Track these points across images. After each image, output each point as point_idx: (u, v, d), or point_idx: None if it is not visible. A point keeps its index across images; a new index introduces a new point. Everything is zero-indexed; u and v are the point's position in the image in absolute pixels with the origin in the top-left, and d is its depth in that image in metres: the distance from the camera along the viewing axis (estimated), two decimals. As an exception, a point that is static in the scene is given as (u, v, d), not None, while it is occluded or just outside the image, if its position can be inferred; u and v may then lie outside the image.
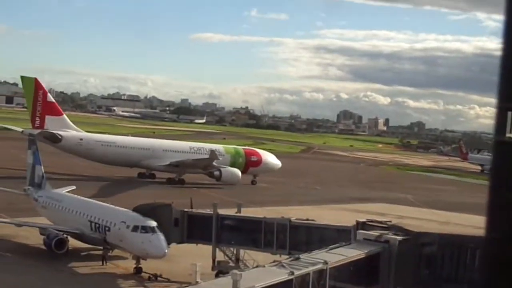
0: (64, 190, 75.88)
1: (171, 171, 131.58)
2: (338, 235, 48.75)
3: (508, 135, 16.49)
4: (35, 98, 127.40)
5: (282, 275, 33.51)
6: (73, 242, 61.77)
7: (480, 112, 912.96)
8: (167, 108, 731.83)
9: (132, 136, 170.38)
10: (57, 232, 60.66)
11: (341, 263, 38.12)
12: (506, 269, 15.92)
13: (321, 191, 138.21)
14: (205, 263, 51.21)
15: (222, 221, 56.95)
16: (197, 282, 34.32)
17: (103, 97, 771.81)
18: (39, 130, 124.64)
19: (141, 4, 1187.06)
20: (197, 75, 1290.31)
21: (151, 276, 55.42)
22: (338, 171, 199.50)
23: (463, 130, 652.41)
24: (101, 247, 60.07)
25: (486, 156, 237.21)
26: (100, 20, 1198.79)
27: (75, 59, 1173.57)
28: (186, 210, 59.13)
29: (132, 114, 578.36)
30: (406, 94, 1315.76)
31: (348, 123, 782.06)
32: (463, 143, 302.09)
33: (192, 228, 58.44)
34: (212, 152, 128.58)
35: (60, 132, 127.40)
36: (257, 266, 36.95)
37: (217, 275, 50.51)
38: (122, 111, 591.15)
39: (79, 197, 70.25)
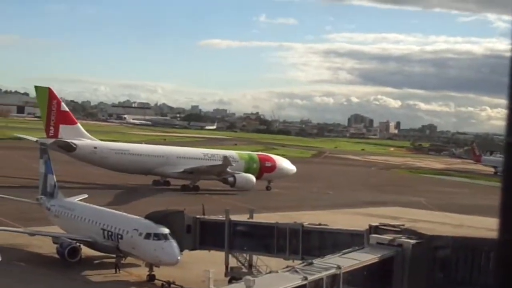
0: (76, 199, 76.01)
1: (186, 178, 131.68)
2: (351, 240, 48.57)
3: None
4: (49, 107, 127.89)
5: (296, 281, 33.44)
6: (86, 251, 61.83)
7: (491, 114, 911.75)
8: (178, 115, 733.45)
9: (145, 143, 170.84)
10: (70, 240, 60.73)
11: (355, 267, 38.01)
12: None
13: (333, 196, 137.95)
14: (218, 269, 51.19)
15: (234, 227, 56.85)
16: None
17: (113, 105, 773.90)
18: (53, 139, 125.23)
19: (149, 11, 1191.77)
20: (207, 82, 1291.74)
21: (164, 283, 55.37)
22: (350, 175, 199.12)
23: (475, 132, 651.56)
24: (114, 255, 60.08)
25: (499, 158, 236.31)
26: (109, 28, 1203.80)
27: (84, 67, 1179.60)
28: (198, 216, 59.06)
29: (143, 122, 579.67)
30: (417, 96, 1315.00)
31: (359, 127, 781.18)
32: (476, 145, 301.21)
33: (205, 235, 58.37)
34: (225, 158, 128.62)
35: (74, 141, 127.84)
36: (270, 272, 36.90)
37: (230, 282, 50.47)
38: (133, 119, 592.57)
39: (91, 205, 70.32)
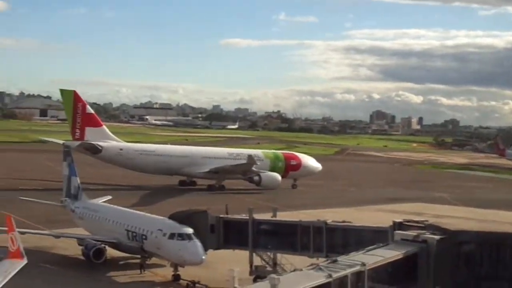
0: (100, 200, 76.38)
1: (211, 178, 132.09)
2: (375, 236, 48.39)
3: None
4: (75, 110, 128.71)
5: (320, 278, 33.39)
6: (111, 252, 62.10)
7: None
8: (199, 115, 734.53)
9: (171, 144, 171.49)
10: (94, 242, 61.07)
11: (379, 264, 37.89)
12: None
13: (356, 193, 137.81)
14: (243, 268, 51.22)
15: (258, 226, 56.81)
16: (235, 288, 34.34)
17: (135, 107, 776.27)
18: (79, 142, 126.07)
19: (169, 12, 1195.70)
20: (228, 81, 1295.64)
21: (189, 283, 55.46)
22: (373, 172, 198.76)
23: (498, 126, 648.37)
24: (138, 256, 60.31)
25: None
26: (129, 30, 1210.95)
27: (106, 70, 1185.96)
28: (221, 216, 59.10)
29: (165, 122, 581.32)
30: (438, 91, 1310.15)
31: (381, 123, 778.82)
32: (499, 139, 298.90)
33: (228, 234, 58.36)
34: (250, 157, 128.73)
35: (100, 143, 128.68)
36: (294, 270, 36.80)
37: (255, 280, 50.53)
38: (155, 120, 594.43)
39: (115, 206, 70.59)
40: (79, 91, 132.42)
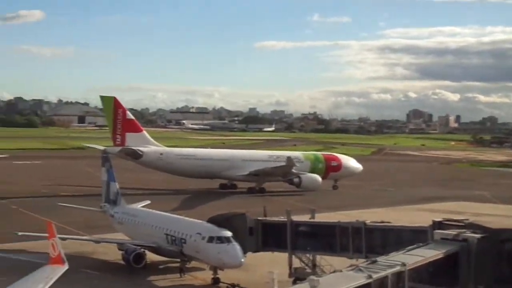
0: (139, 205, 76.75)
1: (251, 181, 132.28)
2: (414, 236, 48.06)
3: None
4: (115, 116, 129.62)
5: (360, 279, 33.25)
6: (150, 256, 62.37)
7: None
8: (236, 118, 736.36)
9: (211, 148, 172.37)
10: (134, 246, 61.33)
11: (419, 264, 37.62)
12: None
13: (395, 192, 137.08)
14: (282, 270, 51.18)
15: (296, 228, 56.67)
16: (275, 290, 34.29)
17: (172, 111, 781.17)
18: (120, 147, 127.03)
19: (203, 17, 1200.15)
20: (263, 84, 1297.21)
21: (229, 286, 55.51)
22: (411, 171, 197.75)
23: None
24: (178, 259, 60.48)
25: None
26: (164, 35, 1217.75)
27: (142, 75, 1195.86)
28: (260, 218, 59.09)
29: (202, 126, 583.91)
30: (476, 89, 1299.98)
31: (418, 122, 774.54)
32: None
33: (267, 236, 58.33)
34: (289, 159, 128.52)
35: (140, 148, 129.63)
36: (334, 271, 36.69)
37: (294, 282, 50.40)
38: (192, 124, 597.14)
39: (154, 211, 70.86)
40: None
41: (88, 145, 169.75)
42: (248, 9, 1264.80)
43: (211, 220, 58.43)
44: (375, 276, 33.69)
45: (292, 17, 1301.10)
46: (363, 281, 33.13)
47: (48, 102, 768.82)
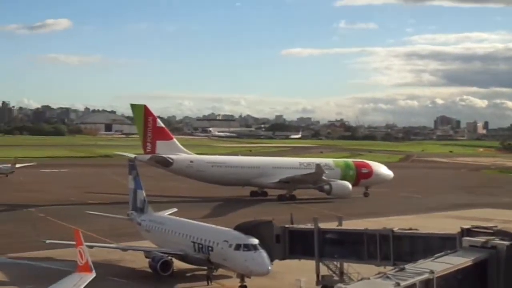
0: (166, 213, 76.86)
1: (282, 188, 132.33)
2: (443, 243, 47.70)
3: None
4: (145, 124, 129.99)
5: (388, 287, 32.98)
6: (177, 264, 62.39)
7: None
8: (262, 126, 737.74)
9: (241, 155, 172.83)
10: (161, 254, 61.40)
11: (448, 271, 37.26)
12: None
13: (422, 199, 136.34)
14: (309, 278, 51.04)
15: (323, 235, 56.43)
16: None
17: (198, 119, 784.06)
18: (150, 155, 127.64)
19: (230, 24, 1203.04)
20: (290, 91, 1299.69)
21: (256, 293, 55.45)
22: (439, 178, 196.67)
23: None
24: (205, 267, 60.42)
25: None
26: (190, 43, 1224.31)
27: (168, 83, 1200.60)
28: (287, 226, 58.91)
29: (228, 134, 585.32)
30: (504, 95, 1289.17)
31: (446, 128, 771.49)
32: None
33: (294, 244, 58.11)
34: (318, 166, 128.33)
35: (171, 156, 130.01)
36: (362, 279, 36.46)
37: (322, 290, 50.33)
38: (218, 131, 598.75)
39: (181, 218, 70.82)
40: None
41: (118, 153, 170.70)
42: (274, 16, 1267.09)
43: (238, 228, 58.34)
44: (403, 283, 33.42)
45: (319, 24, 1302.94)
46: (391, 288, 32.88)
47: (75, 110, 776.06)
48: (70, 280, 41.40)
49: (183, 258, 62.10)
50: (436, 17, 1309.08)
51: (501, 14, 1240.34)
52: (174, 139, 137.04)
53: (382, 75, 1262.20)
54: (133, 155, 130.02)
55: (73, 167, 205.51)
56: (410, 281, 34.04)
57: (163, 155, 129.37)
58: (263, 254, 53.69)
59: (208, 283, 59.25)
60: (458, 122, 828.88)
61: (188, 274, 63.08)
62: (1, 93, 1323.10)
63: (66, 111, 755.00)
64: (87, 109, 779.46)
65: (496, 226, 46.96)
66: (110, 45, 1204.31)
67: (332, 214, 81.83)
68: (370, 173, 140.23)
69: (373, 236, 53.27)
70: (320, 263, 56.16)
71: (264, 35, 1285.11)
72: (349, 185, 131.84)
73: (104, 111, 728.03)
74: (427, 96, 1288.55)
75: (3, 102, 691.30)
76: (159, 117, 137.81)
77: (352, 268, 54.85)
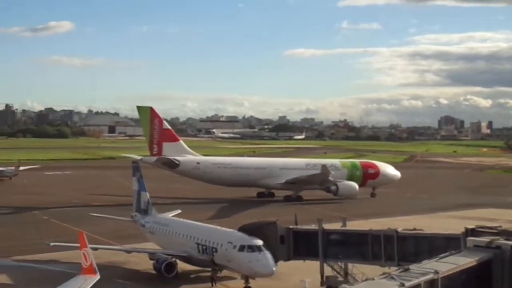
0: (170, 215, 76.88)
1: (288, 189, 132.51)
2: (447, 244, 47.63)
3: None
4: (152, 126, 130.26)
5: (393, 287, 32.97)
6: (182, 265, 62.40)
7: None
8: (266, 127, 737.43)
9: (247, 156, 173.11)
10: (165, 256, 61.45)
11: (452, 272, 37.18)
12: None
13: (427, 200, 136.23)
14: (314, 279, 51.00)
15: (328, 236, 56.36)
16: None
17: (202, 120, 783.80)
18: (156, 157, 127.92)
19: (232, 26, 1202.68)
20: (293, 91, 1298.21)
21: (260, 294, 55.41)
22: (443, 178, 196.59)
23: None
24: (209, 269, 60.41)
25: None
26: (193, 44, 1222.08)
27: (171, 84, 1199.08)
28: (291, 227, 58.86)
29: (232, 135, 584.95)
30: (508, 94, 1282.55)
31: (450, 128, 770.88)
32: None
33: (298, 245, 58.04)
34: (324, 166, 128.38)
35: (177, 157, 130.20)
36: (366, 279, 36.40)
37: (326, 291, 50.29)
38: (222, 133, 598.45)
39: (185, 220, 70.82)
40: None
41: (125, 154, 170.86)
42: (277, 17, 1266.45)
43: (242, 229, 58.32)
44: (407, 284, 33.36)
45: (321, 24, 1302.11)
46: (395, 289, 32.83)
47: (78, 113, 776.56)
48: (74, 282, 41.44)
49: (187, 259, 62.11)
50: (439, 17, 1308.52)
51: (504, 13, 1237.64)
52: (181, 141, 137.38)
53: (385, 75, 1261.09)
54: (139, 157, 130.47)
55: (77, 169, 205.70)
56: (414, 281, 33.98)
57: (170, 157, 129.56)
58: (268, 255, 53.66)
59: (212, 285, 59.19)
60: (462, 122, 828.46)
61: (192, 276, 63.09)
62: (4, 96, 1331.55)
63: (69, 113, 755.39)
64: (90, 111, 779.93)
65: (500, 226, 46.91)
66: (113, 47, 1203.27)
67: (338, 215, 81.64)
68: (377, 173, 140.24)
69: (378, 236, 53.18)
70: (325, 264, 56.09)
71: (267, 36, 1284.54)
72: (355, 185, 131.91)
73: (107, 113, 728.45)
74: (431, 96, 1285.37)
75: (6, 105, 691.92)
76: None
77: (357, 268, 54.79)
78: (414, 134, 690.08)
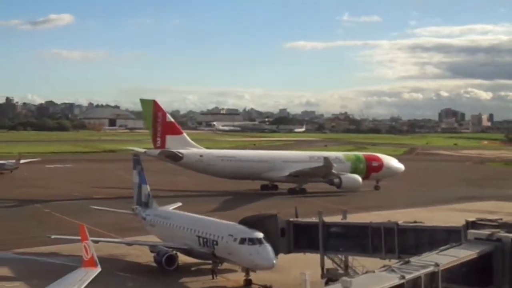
0: (170, 207, 76.92)
1: (292, 182, 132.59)
2: (448, 236, 47.67)
3: None
4: (155, 119, 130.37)
5: (393, 280, 32.98)
6: (182, 258, 62.45)
7: None
8: (266, 119, 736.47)
9: (251, 149, 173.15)
10: (166, 249, 61.49)
11: (453, 264, 37.23)
12: None
13: (427, 192, 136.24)
14: (314, 271, 51.01)
15: (328, 229, 56.37)
16: (307, 291, 34.10)
17: (202, 113, 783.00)
18: (160, 150, 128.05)
19: (233, 18, 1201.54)
20: (294, 84, 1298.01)
21: (261, 287, 55.45)
22: (444, 171, 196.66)
23: None
24: (210, 261, 60.49)
25: None
26: (195, 37, 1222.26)
27: (172, 77, 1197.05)
28: (291, 219, 58.89)
29: (232, 128, 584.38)
30: (508, 87, 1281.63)
31: (451, 121, 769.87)
32: None
33: (299, 237, 58.09)
34: (326, 159, 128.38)
35: (180, 150, 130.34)
36: (366, 272, 36.41)
37: (327, 283, 50.35)
38: (222, 126, 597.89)
39: (185, 213, 70.84)
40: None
41: (129, 147, 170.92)
42: (277, 10, 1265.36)
43: (243, 222, 58.39)
44: (408, 276, 33.41)
45: (322, 17, 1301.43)
46: (396, 281, 32.85)
47: (79, 106, 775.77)
48: (75, 275, 41.46)
49: (188, 252, 62.17)
50: (440, 10, 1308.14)
51: (505, 6, 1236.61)
52: (184, 134, 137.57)
53: (386, 68, 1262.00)
54: (143, 150, 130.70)
55: (78, 162, 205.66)
56: (415, 274, 34.04)
57: (173, 150, 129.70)
58: (268, 248, 53.74)
59: (213, 277, 59.29)
60: (463, 115, 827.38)
61: (193, 268, 63.17)
62: (4, 89, 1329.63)
63: (70, 106, 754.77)
64: (90, 104, 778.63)
65: (501, 219, 46.93)
66: (114, 40, 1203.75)
67: (340, 207, 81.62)
68: (380, 166, 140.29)
69: (378, 229, 53.22)
70: (325, 257, 56.17)
71: (268, 29, 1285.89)
72: (359, 178, 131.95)
73: (108, 106, 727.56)
74: (432, 88, 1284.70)
75: (7, 98, 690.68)
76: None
77: (357, 261, 54.90)
78: (414, 126, 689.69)
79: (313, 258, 56.90)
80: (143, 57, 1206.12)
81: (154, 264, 61.49)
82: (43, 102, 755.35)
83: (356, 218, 69.40)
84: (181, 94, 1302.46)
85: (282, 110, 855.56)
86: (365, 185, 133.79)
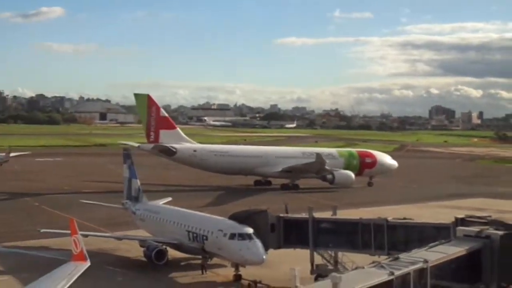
0: (160, 202, 76.84)
1: (285, 177, 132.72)
2: (437, 233, 47.80)
3: None
4: (149, 113, 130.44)
5: (382, 276, 33.06)
6: (172, 253, 62.44)
7: None
8: (257, 115, 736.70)
9: (243, 144, 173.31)
10: (156, 243, 61.44)
11: (442, 261, 37.35)
12: None
13: (417, 189, 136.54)
14: (304, 267, 51.01)
15: (318, 225, 56.42)
16: (296, 287, 34.15)
17: (193, 108, 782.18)
18: (153, 144, 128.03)
19: (224, 13, 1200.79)
20: (285, 80, 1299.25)
21: (250, 283, 55.39)
22: (434, 168, 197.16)
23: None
24: (200, 256, 60.50)
25: None
26: (186, 32, 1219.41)
27: (163, 72, 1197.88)
28: (281, 215, 58.90)
29: (223, 123, 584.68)
30: (498, 85, 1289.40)
31: (441, 118, 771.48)
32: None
33: (289, 233, 58.13)
34: (318, 155, 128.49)
35: (174, 145, 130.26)
36: (356, 268, 36.52)
37: (316, 279, 50.39)
38: (213, 121, 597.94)
39: (175, 208, 70.77)
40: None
41: (122, 142, 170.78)
42: (268, 5, 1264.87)
43: (233, 217, 58.34)
44: (397, 273, 33.51)
45: (313, 13, 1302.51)
46: (385, 278, 32.95)
47: (69, 99, 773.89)
48: (65, 269, 41.36)
49: (177, 247, 62.16)
50: (431, 7, 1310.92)
51: (496, 3, 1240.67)
52: (178, 129, 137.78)
53: (377, 64, 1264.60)
54: (136, 144, 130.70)
55: (68, 156, 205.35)
56: (404, 270, 34.14)
57: (167, 144, 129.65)
58: (258, 243, 53.76)
59: (202, 272, 59.25)
60: (453, 112, 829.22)
61: (182, 263, 63.14)
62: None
63: (60, 99, 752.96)
64: (81, 98, 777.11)
65: (490, 216, 47.09)
66: (105, 33, 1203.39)
67: (331, 203, 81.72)
68: (373, 162, 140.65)
69: (368, 225, 53.28)
70: (315, 252, 56.26)
71: (259, 24, 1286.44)
72: (351, 174, 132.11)
73: (98, 100, 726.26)
74: (422, 86, 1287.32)
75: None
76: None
77: (347, 257, 54.96)
78: (405, 123, 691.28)
79: (303, 253, 56.95)
80: (134, 51, 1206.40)
81: (144, 259, 61.39)
82: (33, 95, 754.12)
83: (347, 214, 69.46)
84: (172, 88, 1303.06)
85: (273, 106, 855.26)
86: (358, 181, 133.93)
